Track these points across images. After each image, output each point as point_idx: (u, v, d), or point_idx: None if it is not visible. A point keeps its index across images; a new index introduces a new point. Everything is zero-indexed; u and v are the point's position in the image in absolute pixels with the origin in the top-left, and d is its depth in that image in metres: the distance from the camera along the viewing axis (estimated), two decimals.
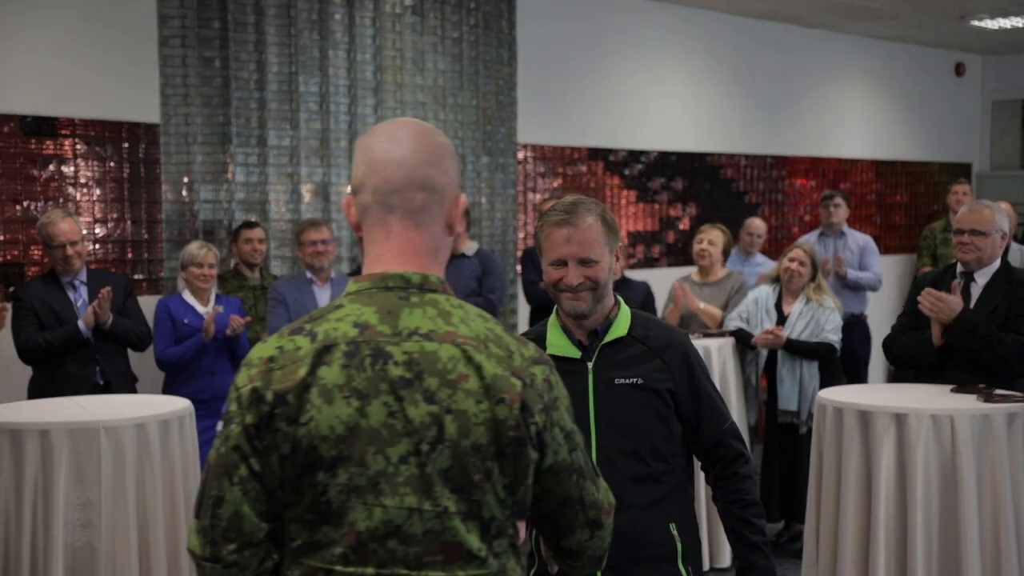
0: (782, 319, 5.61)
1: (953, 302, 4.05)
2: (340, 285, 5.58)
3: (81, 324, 4.83)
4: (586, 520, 1.71)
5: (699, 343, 5.44)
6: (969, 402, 3.80)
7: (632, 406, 2.50)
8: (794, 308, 5.60)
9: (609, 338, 2.52)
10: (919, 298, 4.12)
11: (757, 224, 7.50)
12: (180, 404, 4.03)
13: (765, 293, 5.73)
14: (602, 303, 2.50)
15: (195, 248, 5.35)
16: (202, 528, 1.63)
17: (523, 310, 7.53)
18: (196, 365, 5.25)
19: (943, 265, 4.47)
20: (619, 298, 2.59)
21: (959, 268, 4.28)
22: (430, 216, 1.67)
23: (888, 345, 4.42)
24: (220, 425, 1.67)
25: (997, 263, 4.23)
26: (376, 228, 1.67)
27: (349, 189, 1.73)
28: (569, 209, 2.47)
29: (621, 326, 2.54)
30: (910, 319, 4.34)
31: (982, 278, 4.22)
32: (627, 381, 2.50)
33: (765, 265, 7.21)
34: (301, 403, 1.58)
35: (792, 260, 5.62)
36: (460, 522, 1.59)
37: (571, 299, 2.47)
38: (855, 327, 7.11)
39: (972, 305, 4.17)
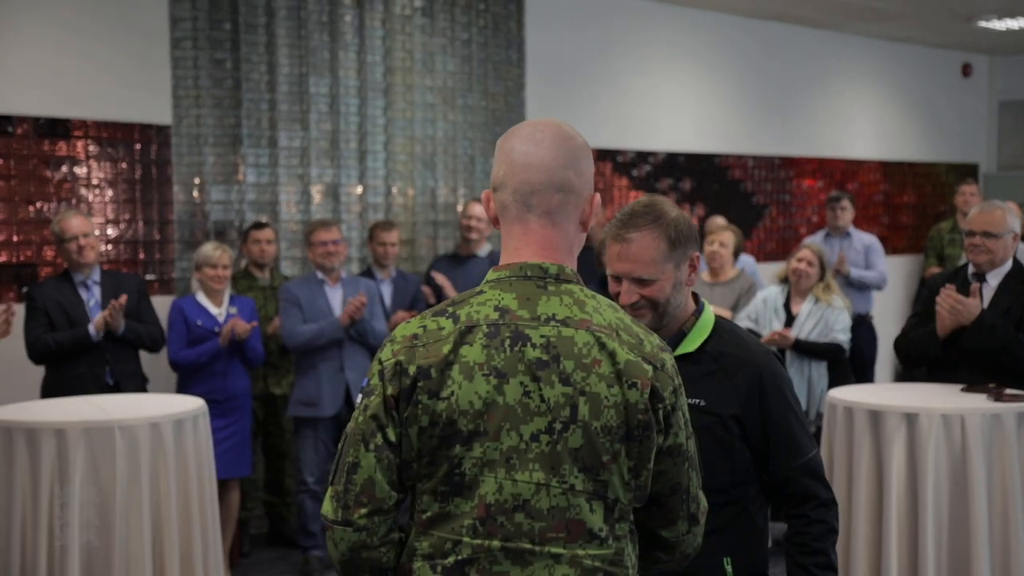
0: (791, 319, 5.63)
1: (972, 305, 4.06)
2: (351, 285, 5.61)
3: (91, 328, 4.85)
4: (687, 512, 1.79)
5: None
6: (980, 401, 3.81)
7: None
8: (803, 308, 5.62)
9: (679, 352, 2.32)
10: (938, 299, 4.13)
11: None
12: (194, 403, 4.06)
13: (774, 293, 5.75)
14: (670, 317, 2.32)
15: (210, 249, 5.37)
16: (336, 493, 1.73)
17: None
18: (209, 366, 5.28)
19: (952, 266, 4.48)
20: (704, 306, 2.39)
21: (970, 269, 4.29)
22: (566, 215, 1.76)
23: (899, 345, 4.43)
24: (359, 398, 1.76)
25: (1009, 264, 4.25)
26: (515, 224, 1.77)
27: (491, 184, 1.82)
28: (627, 222, 2.29)
29: (694, 340, 2.34)
30: (921, 320, 4.36)
31: (994, 279, 4.23)
32: (689, 402, 2.15)
33: (747, 264, 7.22)
34: (443, 378, 1.68)
35: (800, 260, 5.64)
36: (585, 501, 1.67)
37: (630, 315, 2.30)
38: (861, 327, 7.12)
39: (985, 307, 4.18)
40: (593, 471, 1.67)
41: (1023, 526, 3.68)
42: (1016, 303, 4.13)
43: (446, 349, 1.69)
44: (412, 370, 1.69)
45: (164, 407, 3.98)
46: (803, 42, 9.71)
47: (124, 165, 5.96)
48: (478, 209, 6.27)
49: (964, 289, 4.27)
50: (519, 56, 7.33)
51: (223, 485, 5.28)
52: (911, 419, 3.74)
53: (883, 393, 4.09)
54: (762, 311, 5.73)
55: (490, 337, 1.69)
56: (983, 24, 9.53)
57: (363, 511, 1.71)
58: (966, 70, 11.16)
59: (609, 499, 1.69)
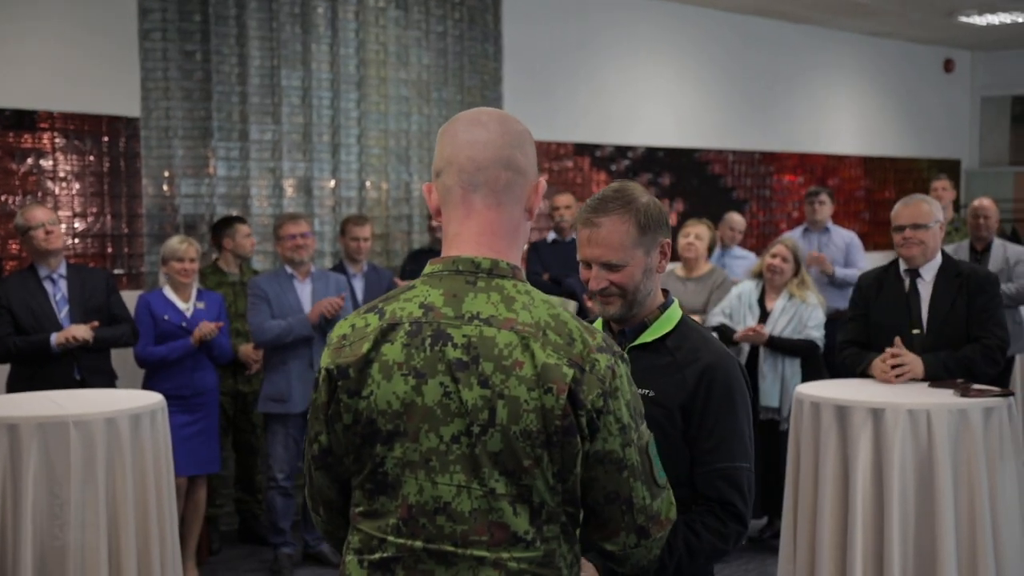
0: (765, 315, 5.59)
1: (914, 364, 4.03)
2: (320, 279, 5.55)
3: (53, 338, 4.76)
4: (632, 524, 1.68)
5: None
6: (946, 397, 3.78)
7: None
8: (776, 304, 5.58)
9: (638, 342, 2.26)
10: (875, 370, 4.08)
11: (737, 220, 7.53)
12: (152, 399, 4.00)
13: (748, 289, 5.72)
14: (639, 305, 2.25)
15: (176, 242, 5.31)
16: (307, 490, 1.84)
17: None
18: (177, 362, 5.22)
19: (882, 266, 4.44)
20: (673, 301, 2.32)
21: (902, 266, 4.25)
22: (513, 196, 1.71)
23: (836, 354, 4.40)
24: None
25: (939, 257, 4.22)
26: (458, 208, 1.70)
27: (432, 175, 1.77)
28: (596, 207, 2.23)
29: (654, 332, 2.27)
30: (856, 324, 4.32)
31: (928, 273, 4.20)
32: (640, 391, 2.06)
33: (746, 258, 7.21)
34: (363, 377, 1.66)
35: (775, 256, 5.60)
36: (508, 504, 1.61)
37: (600, 302, 2.26)
38: (838, 324, 7.08)
39: (926, 306, 4.16)
40: (514, 475, 1.62)
41: (988, 521, 3.65)
42: (958, 298, 4.09)
43: (366, 347, 1.66)
44: (335, 371, 1.69)
45: (121, 402, 3.92)
46: (784, 37, 9.68)
47: (92, 158, 5.89)
48: None
49: (896, 285, 4.22)
50: (496, 49, 7.28)
51: (191, 482, 5.22)
52: (877, 414, 3.71)
53: (850, 388, 4.05)
54: (736, 306, 5.69)
55: (411, 336, 1.65)
56: (964, 19, 9.51)
57: (320, 510, 1.82)
58: (948, 65, 11.15)
59: (534, 502, 1.63)
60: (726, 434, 2.20)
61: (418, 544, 1.64)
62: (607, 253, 2.21)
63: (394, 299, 1.70)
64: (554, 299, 1.73)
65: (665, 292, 2.34)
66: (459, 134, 1.71)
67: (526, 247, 7.78)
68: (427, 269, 1.72)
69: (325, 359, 1.71)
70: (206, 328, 5.14)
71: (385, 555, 1.66)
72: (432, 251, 6.34)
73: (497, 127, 1.71)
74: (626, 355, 1.69)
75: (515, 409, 1.60)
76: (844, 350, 4.32)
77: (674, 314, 2.29)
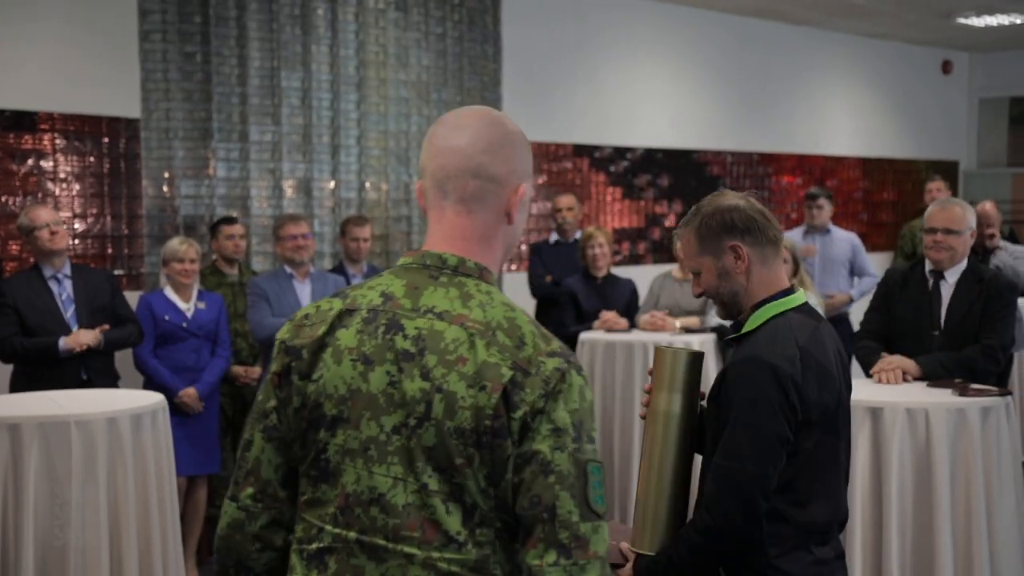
0: None
1: (906, 366, 4.07)
2: (320, 280, 5.56)
3: (62, 342, 4.77)
4: (553, 538, 1.55)
5: (680, 339, 5.44)
6: (944, 396, 3.80)
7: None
8: None
9: (730, 336, 2.45)
10: (875, 376, 4.13)
11: None
12: (153, 399, 4.01)
13: None
14: (733, 306, 2.39)
15: (176, 244, 5.32)
16: (236, 467, 1.75)
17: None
18: (179, 362, 5.25)
19: (909, 263, 4.48)
20: (770, 304, 2.36)
21: (928, 266, 4.28)
22: (483, 204, 1.69)
23: (854, 344, 4.46)
24: None
25: (965, 262, 4.25)
26: (432, 211, 1.71)
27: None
28: (684, 222, 2.47)
29: (747, 327, 2.37)
30: (877, 315, 4.37)
31: (952, 276, 4.23)
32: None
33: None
34: (315, 360, 1.66)
35: None
36: (441, 502, 1.58)
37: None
38: (838, 325, 7.11)
39: (945, 305, 4.19)
40: (447, 472, 1.58)
41: (984, 520, 3.67)
42: (976, 301, 4.12)
43: (322, 330, 1.67)
44: (291, 349, 1.69)
45: (122, 403, 3.93)
46: (782, 38, 9.70)
47: (92, 159, 5.91)
48: None
49: (921, 284, 4.26)
50: (495, 51, 7.29)
51: (191, 482, 5.23)
52: (876, 413, 3.72)
53: None
54: None
55: (366, 322, 1.65)
56: (963, 21, 9.53)
57: (249, 490, 1.73)
58: (946, 67, 11.17)
59: (467, 502, 1.58)
60: (736, 431, 2.25)
61: (352, 535, 1.62)
62: (686, 263, 2.47)
63: (362, 285, 1.72)
64: (514, 303, 1.68)
65: (786, 291, 2.38)
66: (436, 138, 1.71)
67: (525, 248, 7.79)
68: (400, 261, 1.74)
69: (283, 332, 1.71)
70: (191, 403, 5.14)
71: (321, 545, 1.65)
72: None
73: (474, 133, 1.68)
74: (586, 373, 1.63)
75: (451, 405, 1.57)
76: (862, 340, 4.34)
77: (764, 314, 2.35)
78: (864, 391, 3.92)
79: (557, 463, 1.56)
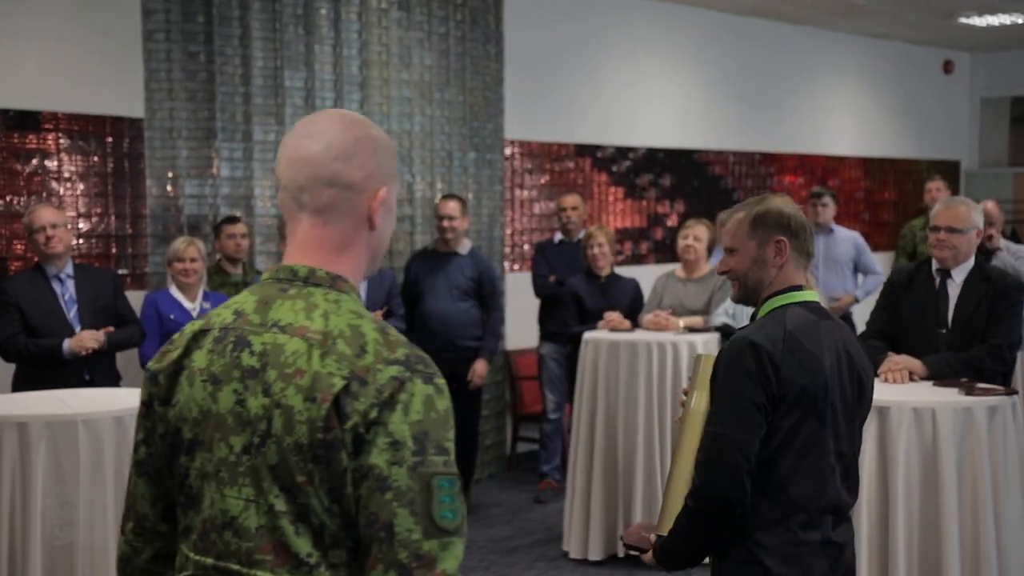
0: None
1: (912, 366, 4.08)
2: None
3: (66, 345, 4.76)
4: (392, 558, 1.46)
5: (684, 339, 5.44)
6: (951, 395, 3.80)
7: None
8: None
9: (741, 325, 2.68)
10: (881, 376, 4.13)
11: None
12: None
13: None
14: (750, 291, 2.61)
15: (178, 243, 5.33)
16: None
17: (511, 304, 7.53)
18: None
19: (915, 262, 4.49)
20: (780, 296, 2.55)
21: (934, 265, 4.28)
22: (339, 212, 1.62)
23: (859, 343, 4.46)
24: None
25: (972, 261, 4.24)
26: (289, 223, 1.65)
27: None
28: (744, 205, 2.67)
29: (759, 316, 2.60)
30: (883, 314, 4.38)
31: (959, 275, 4.23)
32: None
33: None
34: (172, 384, 1.62)
35: None
36: (289, 523, 1.52)
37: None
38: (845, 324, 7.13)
39: (952, 304, 4.18)
40: (291, 492, 1.51)
41: (992, 519, 3.67)
42: (984, 300, 4.12)
43: (177, 353, 1.62)
44: (151, 375, 1.65)
45: (129, 401, 3.93)
46: (784, 38, 9.70)
47: (96, 158, 5.91)
48: (451, 206, 6.23)
49: (927, 283, 4.26)
50: (497, 51, 7.29)
51: None
52: (882, 412, 3.72)
53: None
54: (739, 307, 5.70)
55: (216, 342, 1.59)
56: (964, 20, 9.54)
57: (130, 525, 1.70)
58: (947, 67, 11.18)
59: (314, 523, 1.52)
60: (718, 402, 2.48)
61: (209, 561, 1.57)
62: (725, 239, 2.64)
63: (222, 306, 1.66)
64: (366, 311, 1.61)
65: (794, 288, 2.57)
66: (288, 148, 1.64)
67: (529, 247, 7.80)
68: (262, 276, 1.69)
69: (152, 360, 1.68)
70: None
71: (186, 573, 1.60)
72: (436, 253, 6.35)
73: (327, 139, 1.61)
74: (443, 384, 1.55)
75: (289, 420, 1.51)
76: (867, 340, 4.34)
77: (770, 305, 2.57)
78: None
79: (394, 478, 1.47)
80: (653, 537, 2.61)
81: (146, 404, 1.66)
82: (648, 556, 2.60)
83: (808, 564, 2.44)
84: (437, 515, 1.48)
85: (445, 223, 6.20)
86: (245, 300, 1.63)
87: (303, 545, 1.51)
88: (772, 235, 2.56)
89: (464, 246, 6.30)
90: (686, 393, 2.61)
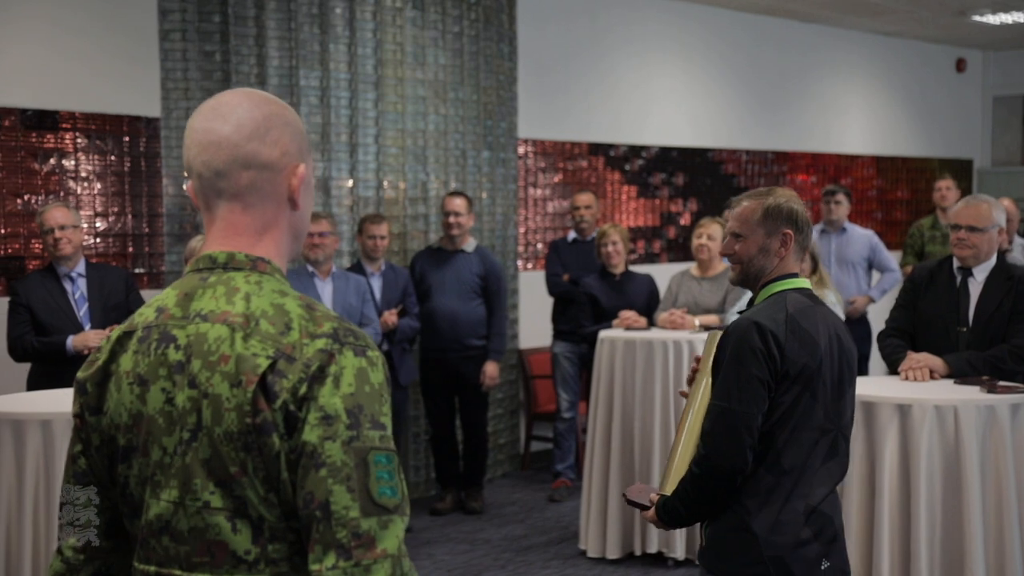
0: None
1: (933, 364, 4.06)
2: (342, 279, 5.58)
3: (70, 342, 4.78)
4: (330, 537, 1.38)
5: (700, 337, 5.44)
6: (973, 393, 3.79)
7: None
8: None
9: (740, 308, 2.84)
10: (901, 375, 4.13)
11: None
12: None
13: None
14: (751, 277, 2.75)
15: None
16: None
17: (524, 303, 7.53)
18: None
19: (936, 259, 4.47)
20: (775, 285, 2.72)
21: (955, 264, 4.26)
22: (260, 194, 1.54)
23: (878, 340, 4.45)
24: None
25: (994, 259, 4.23)
26: (205, 212, 1.57)
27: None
28: (755, 194, 2.82)
29: (757, 301, 2.75)
30: (903, 312, 4.37)
31: (980, 274, 4.21)
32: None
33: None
34: (101, 392, 1.54)
35: None
36: (226, 520, 1.44)
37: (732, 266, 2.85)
38: (855, 324, 7.11)
39: (974, 303, 4.17)
40: (227, 485, 1.43)
41: (1016, 517, 3.66)
42: (1006, 299, 4.11)
43: (103, 359, 1.55)
44: (80, 386, 1.57)
45: None
46: (796, 36, 9.69)
47: (113, 158, 5.92)
48: (458, 203, 6.23)
49: (948, 281, 4.25)
50: (511, 50, 7.30)
51: None
52: (904, 410, 3.72)
53: (876, 385, 4.06)
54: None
55: (141, 342, 1.52)
56: (977, 18, 9.52)
57: (71, 541, 1.59)
58: (960, 65, 11.15)
59: (252, 516, 1.44)
60: (725, 377, 2.62)
61: (152, 569, 1.50)
62: (735, 225, 2.78)
63: (144, 305, 1.59)
64: (291, 290, 1.54)
65: (792, 275, 2.75)
66: (196, 132, 1.53)
67: (542, 246, 7.80)
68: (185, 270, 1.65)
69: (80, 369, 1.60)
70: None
71: None
72: (441, 251, 6.35)
73: (234, 118, 1.52)
74: (377, 356, 1.47)
75: (217, 409, 1.43)
76: (887, 338, 4.34)
77: (769, 290, 2.72)
78: (892, 388, 3.92)
79: (328, 454, 1.39)
80: (655, 496, 2.75)
81: (78, 416, 1.57)
82: (649, 514, 2.75)
83: (793, 531, 2.57)
84: (375, 492, 1.40)
85: (451, 219, 6.21)
86: (167, 296, 1.55)
87: (241, 542, 1.44)
88: (780, 227, 2.73)
89: (469, 244, 6.31)
90: (698, 362, 2.77)
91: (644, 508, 2.79)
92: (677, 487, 2.67)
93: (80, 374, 1.57)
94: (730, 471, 2.57)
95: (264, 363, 1.42)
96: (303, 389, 1.41)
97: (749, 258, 2.74)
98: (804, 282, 2.76)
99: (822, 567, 2.60)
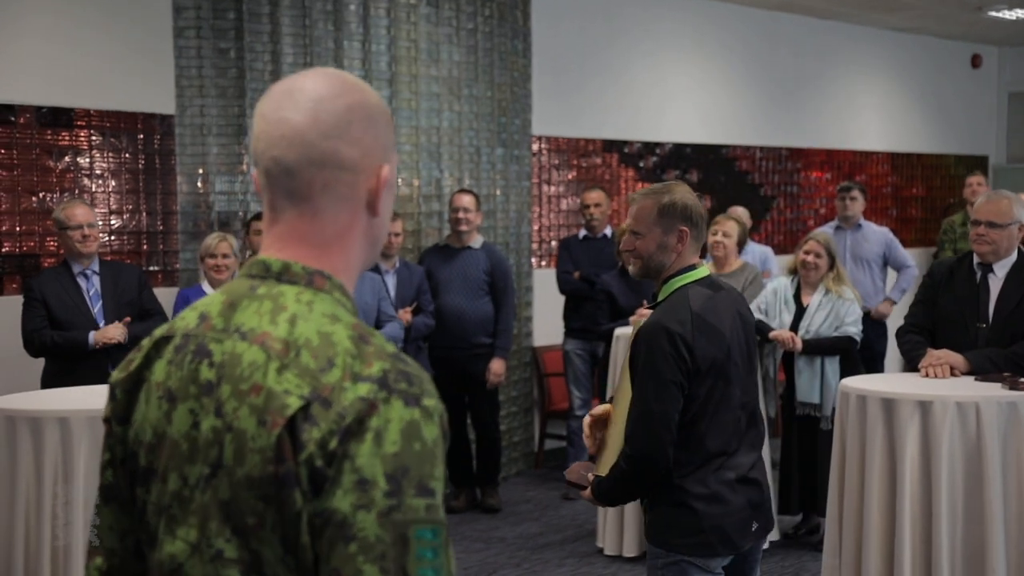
0: (801, 310, 5.57)
1: (954, 361, 4.03)
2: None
3: (91, 337, 4.80)
4: None
5: None
6: (994, 390, 3.76)
7: None
8: (813, 299, 5.55)
9: (652, 304, 3.01)
10: (922, 372, 4.09)
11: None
12: None
13: (784, 284, 5.69)
14: (656, 270, 2.93)
15: (210, 239, 5.35)
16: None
17: (538, 300, 7.51)
18: None
19: (956, 255, 4.44)
20: (678, 279, 2.92)
21: (975, 259, 4.23)
22: (335, 197, 1.33)
23: (898, 338, 4.42)
24: None
25: (1015, 255, 4.19)
26: (268, 211, 1.36)
27: None
28: (651, 191, 2.99)
29: (659, 297, 2.95)
30: (922, 308, 4.34)
31: (1001, 270, 4.18)
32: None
33: (752, 252, 7.15)
34: (131, 400, 1.37)
35: (808, 252, 5.57)
36: (239, 574, 1.24)
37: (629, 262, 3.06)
38: (872, 321, 7.07)
39: (994, 299, 4.14)
40: (243, 535, 1.24)
41: None
42: None
43: (136, 364, 1.37)
44: (112, 390, 1.41)
45: None
46: (811, 33, 9.65)
47: (127, 155, 5.92)
48: (466, 199, 6.22)
49: (968, 277, 4.21)
50: (525, 46, 7.28)
51: None
52: (925, 407, 3.69)
53: (896, 382, 4.04)
54: (772, 302, 5.67)
55: (177, 351, 1.33)
56: (993, 14, 9.46)
57: (97, 561, 1.43)
58: (975, 61, 11.09)
59: (268, 575, 1.24)
60: (642, 381, 2.82)
61: None
62: (632, 223, 2.96)
63: (190, 307, 1.41)
64: (346, 315, 1.32)
65: (690, 267, 2.93)
66: (265, 120, 1.34)
67: (555, 244, 7.77)
68: (239, 272, 1.44)
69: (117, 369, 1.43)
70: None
71: None
72: (448, 248, 6.33)
73: (312, 108, 1.31)
74: (435, 406, 1.24)
75: (241, 447, 1.23)
76: (907, 334, 4.31)
77: (671, 286, 2.93)
78: (913, 385, 3.89)
79: (361, 526, 1.17)
80: (591, 476, 2.98)
81: (107, 421, 1.40)
82: (586, 493, 2.98)
83: (727, 500, 2.86)
84: (414, 573, 1.18)
85: (460, 215, 6.20)
86: (212, 301, 1.36)
87: None
88: (676, 224, 2.90)
89: (476, 240, 6.30)
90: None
91: (581, 488, 3.00)
92: (610, 472, 2.90)
93: (114, 375, 1.40)
94: (653, 466, 2.82)
95: (295, 404, 1.21)
96: (333, 443, 1.18)
97: (648, 255, 2.93)
98: (703, 271, 2.94)
99: (752, 528, 2.92)
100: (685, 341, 2.79)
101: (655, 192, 2.93)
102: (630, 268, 3.06)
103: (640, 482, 2.87)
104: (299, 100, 1.32)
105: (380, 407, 1.19)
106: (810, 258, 5.55)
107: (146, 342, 1.39)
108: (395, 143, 1.43)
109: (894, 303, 7.21)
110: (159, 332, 1.38)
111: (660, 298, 2.95)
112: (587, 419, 3.05)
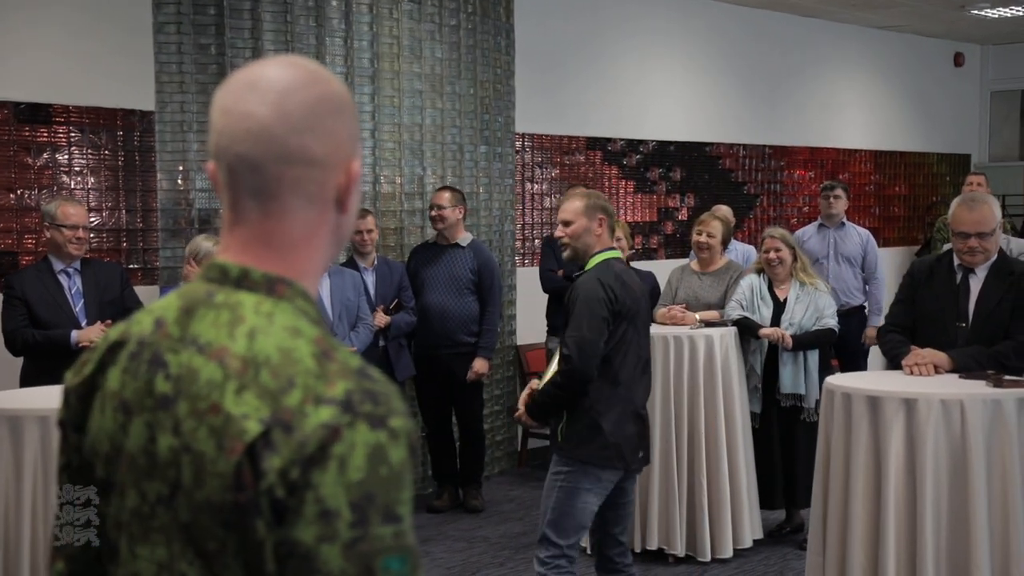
0: (778, 304, 5.60)
1: (938, 359, 4.02)
2: (338, 275, 5.55)
3: (74, 336, 4.74)
4: None
5: (700, 333, 5.41)
6: (979, 387, 3.76)
7: None
8: (790, 294, 5.60)
9: (580, 272, 3.90)
10: (905, 369, 4.08)
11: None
12: None
13: (756, 281, 5.72)
14: (580, 253, 3.88)
15: (203, 240, 5.26)
16: None
17: (521, 299, 7.49)
18: None
19: (935, 254, 4.42)
20: (601, 256, 3.84)
21: (955, 261, 4.21)
22: (303, 195, 1.25)
23: (878, 336, 4.42)
24: None
25: (994, 255, 4.19)
26: (228, 210, 1.27)
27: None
28: (578, 193, 4.13)
29: (588, 266, 3.84)
30: (903, 307, 4.32)
31: (981, 270, 4.17)
32: None
33: (736, 250, 7.16)
34: (85, 407, 1.30)
35: (768, 251, 5.64)
36: None
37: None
38: (855, 318, 7.09)
39: (974, 299, 4.13)
40: (206, 559, 1.18)
41: (1022, 512, 3.63)
42: (1007, 295, 4.06)
43: (89, 369, 1.31)
44: (63, 394, 1.35)
45: None
46: (794, 30, 9.66)
47: (107, 152, 5.87)
48: (444, 196, 6.19)
49: (948, 276, 4.20)
50: (508, 43, 7.25)
51: None
52: (910, 405, 3.68)
53: (881, 379, 4.03)
54: (749, 298, 5.69)
55: (132, 358, 1.26)
56: (975, 13, 9.50)
57: (59, 565, 1.36)
58: (958, 59, 11.13)
59: None
60: (579, 314, 3.72)
61: None
62: (564, 213, 3.93)
63: (146, 309, 1.34)
64: (307, 328, 1.25)
65: (609, 249, 3.88)
66: (227, 113, 1.24)
67: (539, 242, 7.74)
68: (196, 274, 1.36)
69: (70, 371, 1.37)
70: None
71: None
72: (436, 245, 6.30)
73: (278, 100, 1.22)
74: (402, 426, 1.17)
75: (200, 470, 1.17)
76: (888, 333, 4.30)
77: (597, 259, 3.84)
78: (898, 383, 3.88)
79: (324, 560, 1.12)
80: (524, 395, 3.91)
81: (62, 426, 1.34)
82: (520, 413, 3.89)
83: (626, 427, 3.76)
84: None
85: (434, 212, 6.18)
86: (168, 305, 1.29)
87: None
88: (597, 214, 3.85)
89: (464, 238, 6.26)
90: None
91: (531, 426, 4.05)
92: (545, 385, 3.77)
93: (68, 378, 1.34)
94: (582, 379, 3.68)
95: (254, 429, 1.14)
96: (295, 473, 1.12)
97: (578, 237, 3.85)
98: (618, 252, 3.92)
99: (639, 455, 3.84)
100: (612, 288, 3.72)
101: (581, 195, 3.94)
102: (564, 254, 3.89)
103: (571, 393, 3.70)
104: (264, 92, 1.23)
105: (344, 432, 1.13)
106: (772, 255, 5.62)
107: (100, 343, 1.32)
108: (360, 134, 1.35)
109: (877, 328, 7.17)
110: (113, 335, 1.32)
111: (588, 267, 3.83)
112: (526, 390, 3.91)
